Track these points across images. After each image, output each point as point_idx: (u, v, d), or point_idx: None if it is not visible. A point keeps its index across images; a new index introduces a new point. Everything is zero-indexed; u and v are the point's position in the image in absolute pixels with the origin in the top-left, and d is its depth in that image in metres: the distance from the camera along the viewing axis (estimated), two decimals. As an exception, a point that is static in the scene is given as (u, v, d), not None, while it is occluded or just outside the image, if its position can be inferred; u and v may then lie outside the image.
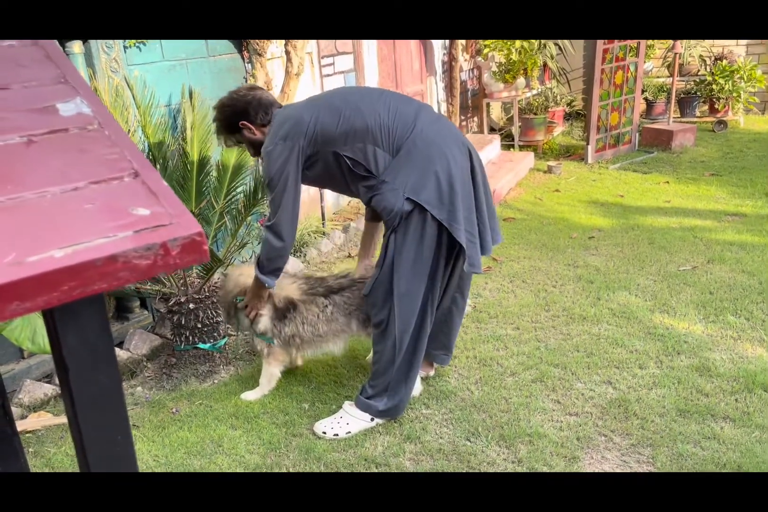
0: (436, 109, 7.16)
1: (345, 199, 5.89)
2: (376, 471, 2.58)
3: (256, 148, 2.72)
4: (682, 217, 5.14)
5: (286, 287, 2.99)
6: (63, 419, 3.07)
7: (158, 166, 3.41)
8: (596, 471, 2.52)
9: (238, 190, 3.54)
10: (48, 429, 2.98)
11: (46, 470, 2.70)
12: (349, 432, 2.79)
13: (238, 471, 2.63)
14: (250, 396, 3.11)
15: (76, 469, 2.67)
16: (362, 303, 2.91)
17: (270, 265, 2.76)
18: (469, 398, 3.01)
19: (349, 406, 2.86)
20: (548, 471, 2.52)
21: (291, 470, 2.61)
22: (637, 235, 4.83)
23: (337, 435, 2.78)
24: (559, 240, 4.85)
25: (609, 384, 3.05)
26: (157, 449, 2.79)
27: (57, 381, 3.28)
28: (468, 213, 2.56)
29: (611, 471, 2.52)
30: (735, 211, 5.21)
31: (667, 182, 6.08)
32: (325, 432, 2.80)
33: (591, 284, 4.07)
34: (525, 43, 7.03)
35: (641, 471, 2.50)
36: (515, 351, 3.37)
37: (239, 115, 2.68)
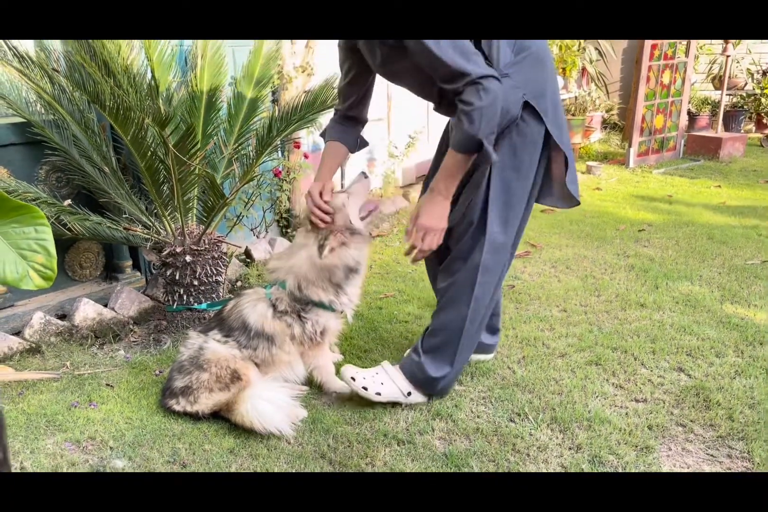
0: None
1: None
2: (397, 448, 2.06)
3: None
4: (741, 216, 4.63)
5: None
6: (25, 375, 2.58)
7: (161, 98, 2.96)
8: (677, 464, 1.99)
9: (253, 128, 3.08)
10: (6, 384, 2.49)
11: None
12: (379, 394, 2.26)
13: (225, 439, 2.12)
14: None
15: (29, 427, 2.18)
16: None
17: (491, 124, 1.93)
18: (510, 377, 2.49)
19: (389, 366, 2.35)
20: (616, 460, 1.99)
21: (291, 442, 2.10)
22: (692, 230, 4.32)
23: (366, 389, 2.26)
24: (604, 231, 4.35)
25: (681, 371, 2.53)
26: (131, 411, 2.29)
27: (26, 335, 2.80)
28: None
29: (695, 465, 1.99)
30: (798, 214, 4.71)
31: (719, 186, 5.59)
32: (353, 378, 2.27)
33: (646, 273, 3.56)
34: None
35: (735, 466, 1.97)
36: (564, 332, 2.86)
37: None
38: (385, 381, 2.27)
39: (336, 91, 2.41)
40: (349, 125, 2.38)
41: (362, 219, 2.31)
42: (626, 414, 2.24)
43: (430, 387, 2.28)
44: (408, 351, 2.43)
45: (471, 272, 2.17)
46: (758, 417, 2.18)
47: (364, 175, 2.40)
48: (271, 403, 2.13)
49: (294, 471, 1.96)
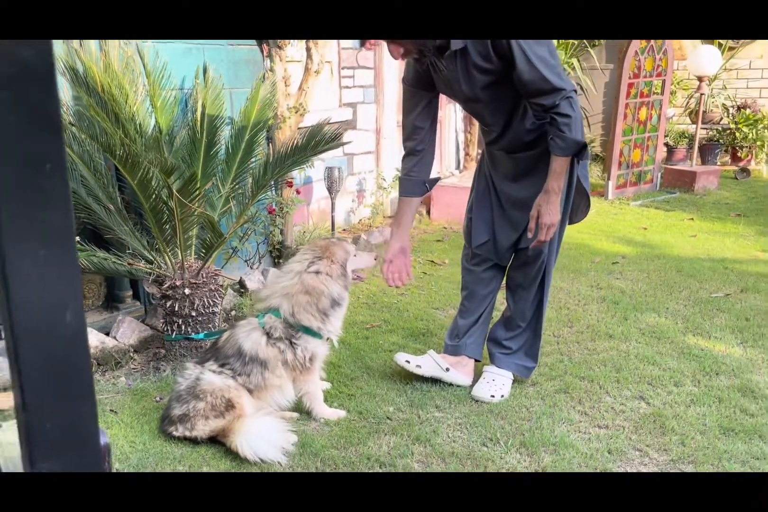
0: (453, 139, 7.05)
1: (356, 216, 5.69)
2: (379, 470, 2.26)
3: None
4: (709, 249, 4.89)
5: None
6: (33, 401, 2.76)
7: (163, 142, 3.18)
8: (632, 485, 2.21)
9: (249, 167, 3.31)
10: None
11: None
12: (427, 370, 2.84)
13: (223, 461, 2.31)
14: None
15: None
16: None
17: (581, 129, 2.37)
18: (485, 404, 2.70)
19: (433, 352, 2.89)
20: (577, 482, 2.20)
21: (283, 465, 2.30)
22: (663, 263, 4.57)
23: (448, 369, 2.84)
24: (580, 263, 4.59)
25: (641, 399, 2.75)
26: (134, 435, 2.48)
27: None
28: None
29: (649, 487, 2.20)
30: (764, 248, 4.97)
31: (692, 219, 5.87)
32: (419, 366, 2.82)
33: (616, 305, 3.80)
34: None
35: (684, 488, 2.18)
36: (536, 362, 3.08)
37: None
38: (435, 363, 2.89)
39: (402, 127, 2.68)
40: (418, 170, 2.66)
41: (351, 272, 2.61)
42: (589, 439, 2.45)
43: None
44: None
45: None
46: (708, 443, 2.40)
47: (374, 257, 2.74)
48: (263, 439, 2.32)
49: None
